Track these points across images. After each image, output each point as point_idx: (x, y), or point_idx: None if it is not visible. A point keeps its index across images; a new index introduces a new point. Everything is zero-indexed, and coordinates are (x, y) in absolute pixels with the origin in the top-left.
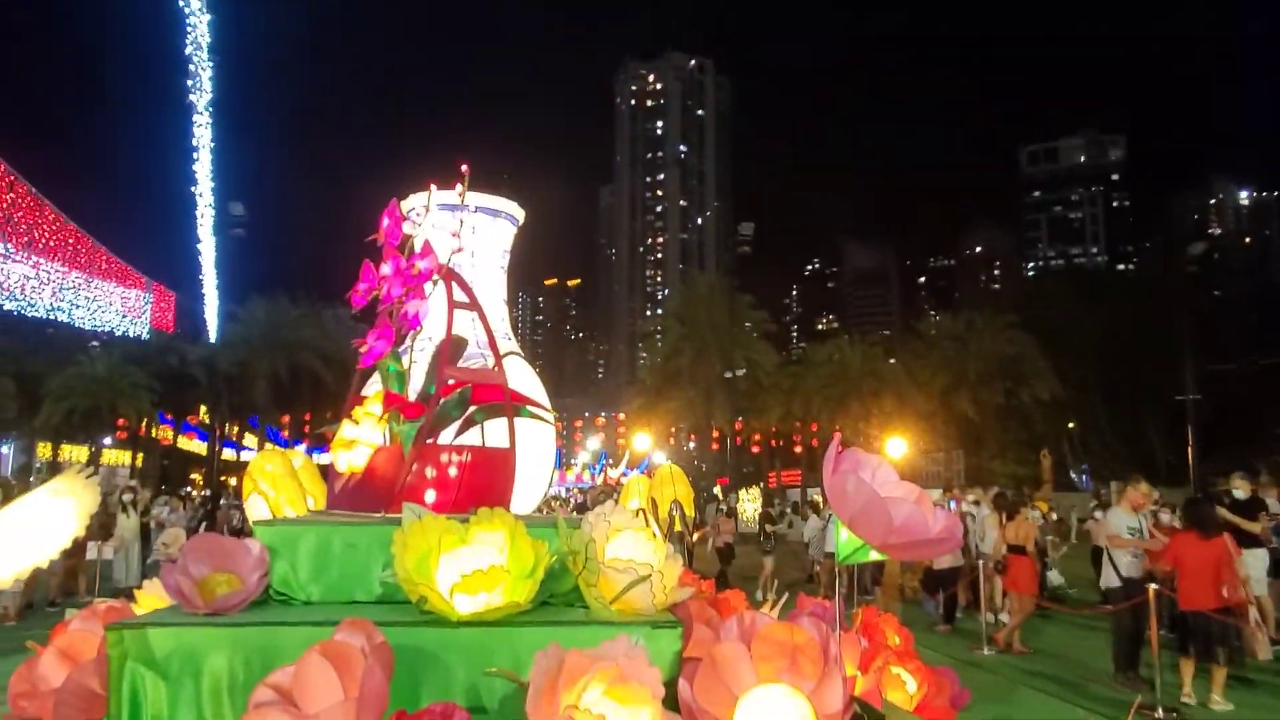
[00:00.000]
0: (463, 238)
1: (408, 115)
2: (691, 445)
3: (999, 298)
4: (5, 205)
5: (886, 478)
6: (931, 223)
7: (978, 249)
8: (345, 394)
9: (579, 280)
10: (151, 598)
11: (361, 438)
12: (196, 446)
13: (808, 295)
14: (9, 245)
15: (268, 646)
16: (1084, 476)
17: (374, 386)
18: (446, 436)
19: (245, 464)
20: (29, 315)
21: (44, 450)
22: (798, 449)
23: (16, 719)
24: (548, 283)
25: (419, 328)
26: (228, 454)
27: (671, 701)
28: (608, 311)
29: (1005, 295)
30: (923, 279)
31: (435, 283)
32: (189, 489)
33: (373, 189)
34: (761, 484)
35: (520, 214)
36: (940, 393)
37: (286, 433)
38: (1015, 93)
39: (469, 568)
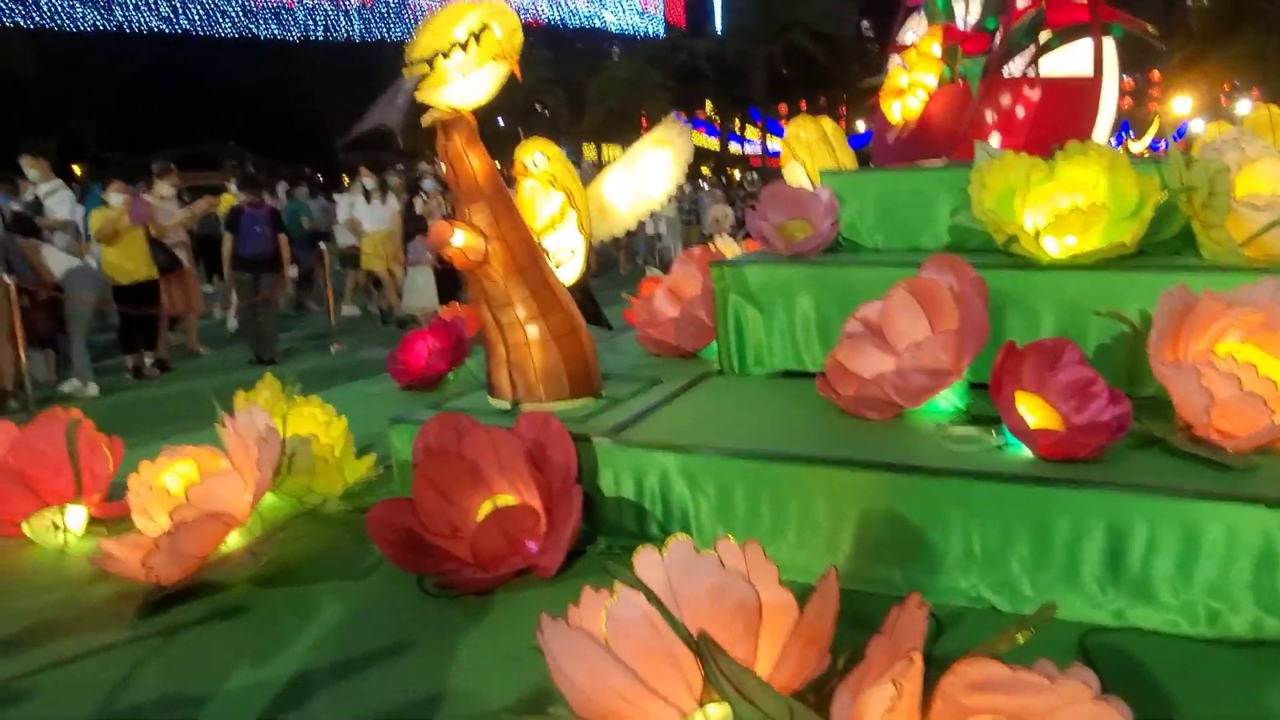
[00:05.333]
0: None
1: None
2: (1251, 104)
3: None
4: None
5: None
6: None
7: None
8: (838, 75)
9: None
10: (727, 248)
11: (915, 82)
12: (706, 141)
13: None
14: None
15: (847, 285)
16: None
17: (910, 32)
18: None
19: (748, 157)
20: (569, 24)
21: (589, 151)
22: None
23: (645, 339)
24: None
25: None
26: (733, 148)
27: None
28: None
29: None
30: None
31: None
32: (700, 181)
33: None
34: None
35: None
36: None
37: (784, 122)
38: None
39: (1062, 206)
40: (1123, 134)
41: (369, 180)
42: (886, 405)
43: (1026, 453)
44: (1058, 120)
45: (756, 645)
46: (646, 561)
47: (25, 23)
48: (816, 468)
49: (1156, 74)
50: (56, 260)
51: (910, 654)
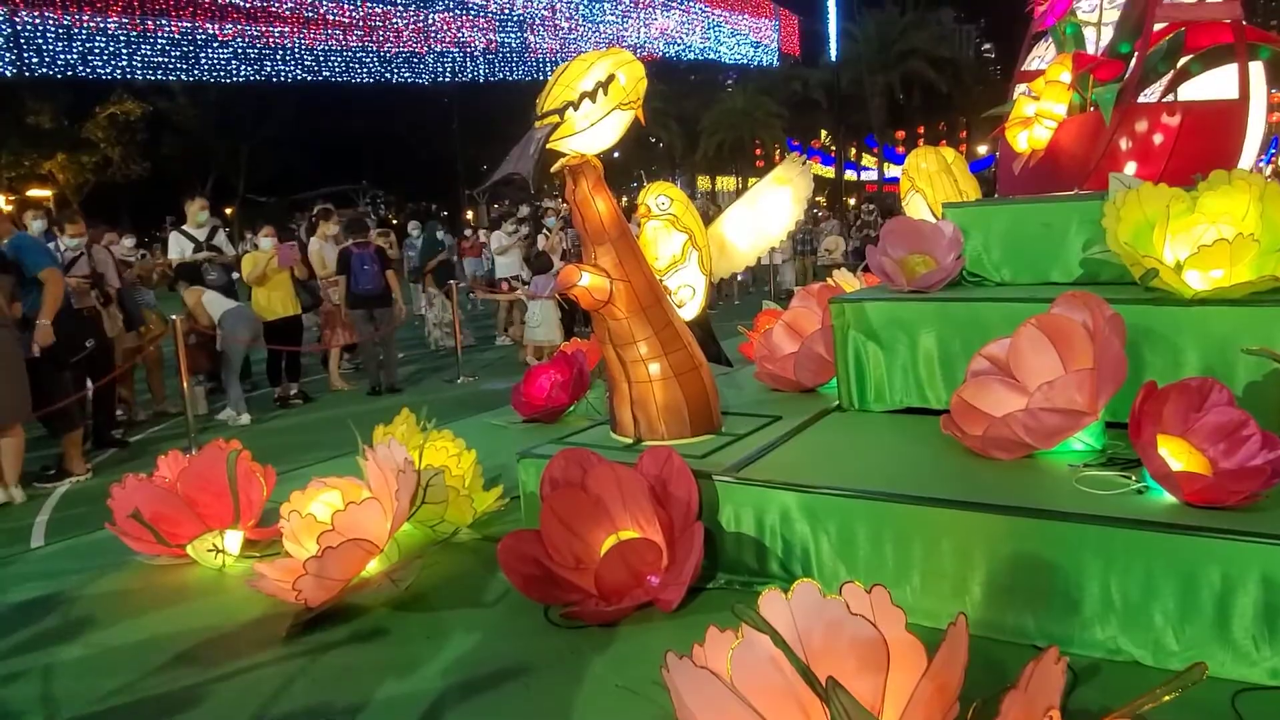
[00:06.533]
0: None
1: None
2: None
3: None
4: None
5: None
6: None
7: None
8: (957, 99)
9: None
10: (845, 281)
11: (1043, 111)
12: (819, 170)
13: None
14: None
15: (972, 321)
16: None
17: (1037, 59)
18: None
19: (864, 184)
20: (683, 58)
21: (703, 183)
22: None
23: (764, 374)
24: None
25: None
26: (848, 175)
27: None
28: None
29: None
30: None
31: None
32: (816, 211)
33: None
34: None
35: None
36: None
37: (901, 149)
38: None
39: (1206, 239)
40: (1272, 150)
41: (525, 228)
42: (1016, 445)
43: (1168, 498)
44: (1200, 147)
45: (884, 692)
46: (772, 604)
47: (187, 77)
48: (943, 509)
49: None
50: (216, 305)
51: (1048, 712)
